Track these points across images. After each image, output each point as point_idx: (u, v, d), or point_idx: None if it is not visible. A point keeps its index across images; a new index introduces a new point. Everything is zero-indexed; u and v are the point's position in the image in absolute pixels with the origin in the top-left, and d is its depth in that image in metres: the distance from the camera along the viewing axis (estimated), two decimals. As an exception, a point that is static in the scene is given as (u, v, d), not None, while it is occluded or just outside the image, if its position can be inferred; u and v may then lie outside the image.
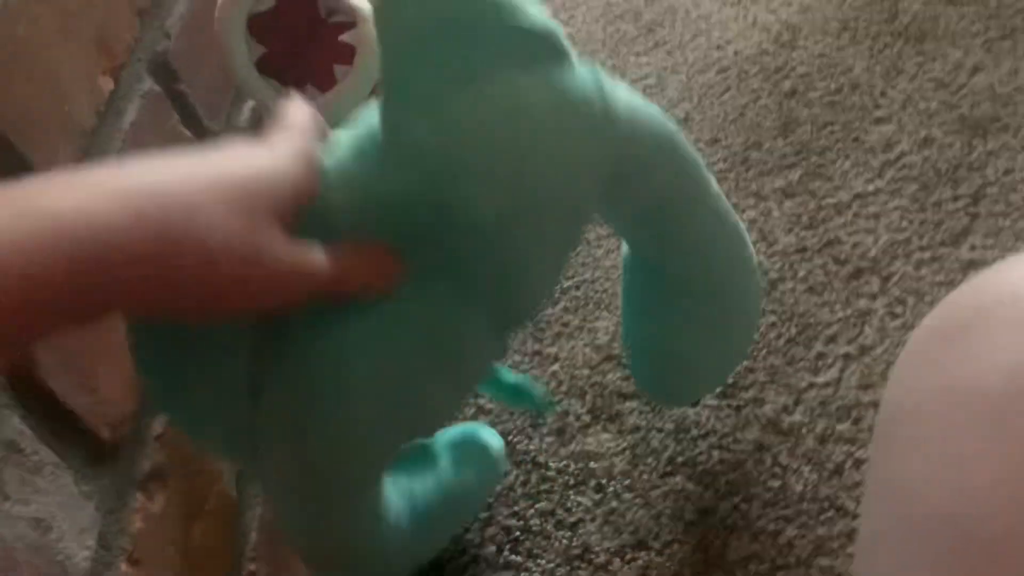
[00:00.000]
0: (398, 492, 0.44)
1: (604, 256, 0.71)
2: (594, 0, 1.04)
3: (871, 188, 0.67)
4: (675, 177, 0.44)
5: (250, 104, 0.72)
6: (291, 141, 0.34)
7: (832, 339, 0.58)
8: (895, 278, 0.60)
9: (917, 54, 0.76)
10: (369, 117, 0.36)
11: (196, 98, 0.62)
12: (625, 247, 0.52)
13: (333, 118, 0.61)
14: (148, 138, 0.54)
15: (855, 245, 0.63)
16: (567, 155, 0.37)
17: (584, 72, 0.38)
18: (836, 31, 0.82)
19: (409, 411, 0.38)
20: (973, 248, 0.60)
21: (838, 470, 0.52)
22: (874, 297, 0.59)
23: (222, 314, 0.32)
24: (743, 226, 0.49)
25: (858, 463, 0.52)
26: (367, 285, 0.35)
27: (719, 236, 0.48)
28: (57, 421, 0.38)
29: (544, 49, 0.36)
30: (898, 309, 0.58)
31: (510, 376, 0.51)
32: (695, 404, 0.58)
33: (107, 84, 0.51)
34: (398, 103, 0.34)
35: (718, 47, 0.87)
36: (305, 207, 0.34)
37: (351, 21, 0.60)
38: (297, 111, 0.36)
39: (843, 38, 0.81)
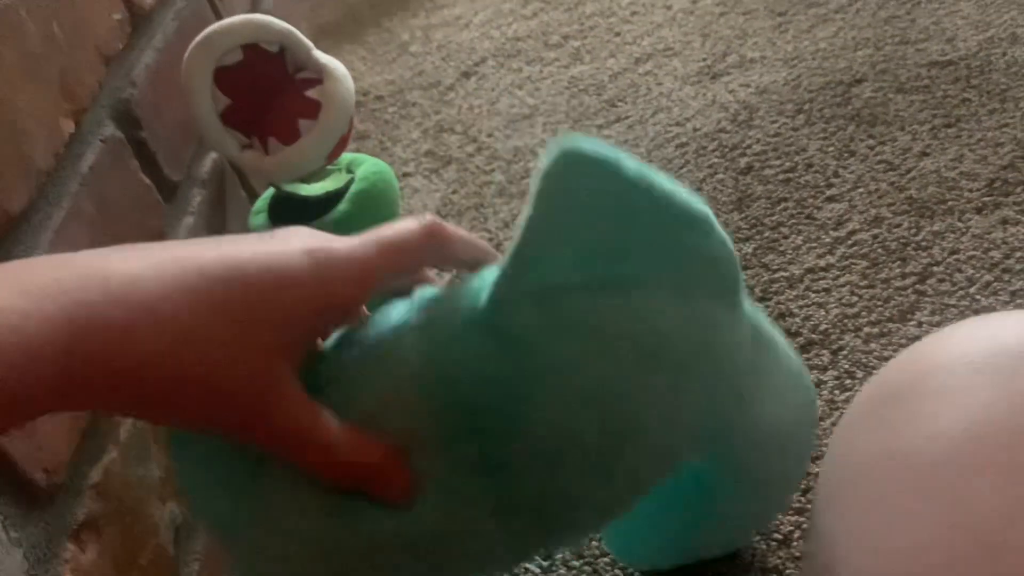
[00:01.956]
0: None
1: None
2: (559, 73, 1.06)
3: (822, 263, 0.68)
4: (790, 436, 0.39)
5: (212, 156, 0.73)
6: (357, 251, 0.29)
7: (783, 410, 0.59)
8: (844, 351, 0.61)
9: (868, 137, 0.79)
10: (486, 281, 0.31)
11: (157, 146, 0.62)
12: None
13: (295, 171, 0.62)
14: (106, 183, 0.54)
15: (806, 318, 0.64)
16: (682, 399, 0.31)
17: (747, 318, 0.33)
18: (792, 112, 0.85)
19: None
20: (920, 325, 0.61)
21: (786, 540, 0.52)
22: (824, 369, 0.60)
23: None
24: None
25: (806, 533, 0.52)
26: (368, 489, 0.29)
27: (798, 467, 0.44)
28: (-12, 464, 0.37)
29: (713, 281, 0.32)
30: (847, 382, 0.59)
31: None
32: None
33: (68, 127, 0.51)
34: (518, 280, 0.30)
35: (677, 123, 0.89)
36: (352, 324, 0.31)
37: (318, 78, 0.61)
38: (408, 224, 0.31)
39: (798, 119, 0.84)
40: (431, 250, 0.32)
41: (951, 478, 0.25)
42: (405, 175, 0.99)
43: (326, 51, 1.38)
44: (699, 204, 0.31)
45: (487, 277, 0.31)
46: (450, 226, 0.33)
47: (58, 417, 0.42)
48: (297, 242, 0.29)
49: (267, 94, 0.60)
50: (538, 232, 0.29)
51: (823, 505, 0.30)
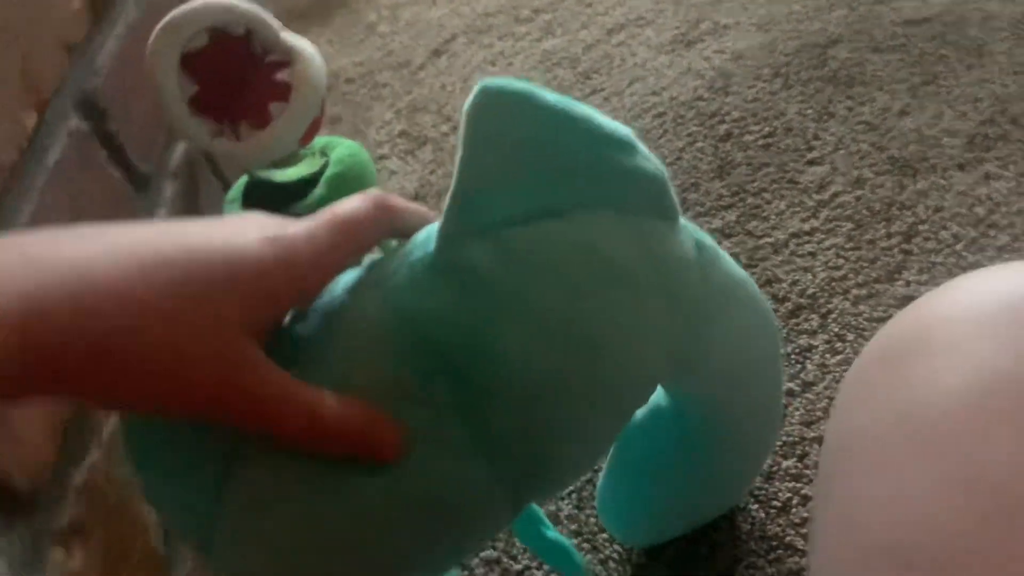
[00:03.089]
0: None
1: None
2: (532, 48, 1.05)
3: (807, 227, 0.68)
4: (754, 368, 0.41)
5: (183, 146, 0.71)
6: (313, 233, 0.29)
7: (775, 376, 0.59)
8: (833, 314, 0.61)
9: (847, 98, 0.79)
10: (431, 230, 0.32)
11: (126, 137, 0.60)
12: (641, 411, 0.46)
13: (268, 155, 0.60)
14: (74, 177, 0.52)
15: (793, 283, 0.64)
16: (640, 317, 0.32)
17: (688, 234, 0.34)
18: (768, 77, 0.84)
19: (388, 570, 0.31)
20: (908, 284, 0.61)
21: (785, 507, 0.52)
22: (814, 334, 0.60)
23: (194, 418, 0.27)
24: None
25: (804, 499, 0.51)
26: (359, 450, 0.28)
27: (773, 402, 0.45)
28: (-33, 470, 0.35)
29: (649, 200, 0.32)
30: (838, 345, 0.59)
31: (553, 533, 0.45)
32: None
33: (30, 119, 0.49)
34: (461, 219, 0.30)
35: (654, 93, 0.88)
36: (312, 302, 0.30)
37: (287, 60, 0.59)
38: (356, 201, 0.31)
39: (775, 83, 0.83)
40: (383, 223, 0.32)
41: (962, 435, 0.24)
42: (381, 158, 0.98)
43: (295, 33, 1.35)
44: (621, 127, 0.32)
45: (432, 229, 0.31)
46: (396, 197, 0.33)
47: (38, 420, 0.40)
48: (254, 227, 0.28)
49: (236, 78, 0.59)
50: (472, 170, 0.29)
51: (830, 469, 0.30)
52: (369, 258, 0.34)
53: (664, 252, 0.33)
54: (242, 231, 0.28)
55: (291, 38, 0.60)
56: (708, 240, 0.37)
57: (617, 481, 0.50)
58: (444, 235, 0.30)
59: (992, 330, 0.26)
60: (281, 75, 0.59)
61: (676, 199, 0.34)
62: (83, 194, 0.52)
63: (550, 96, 0.30)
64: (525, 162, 0.30)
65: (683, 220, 0.35)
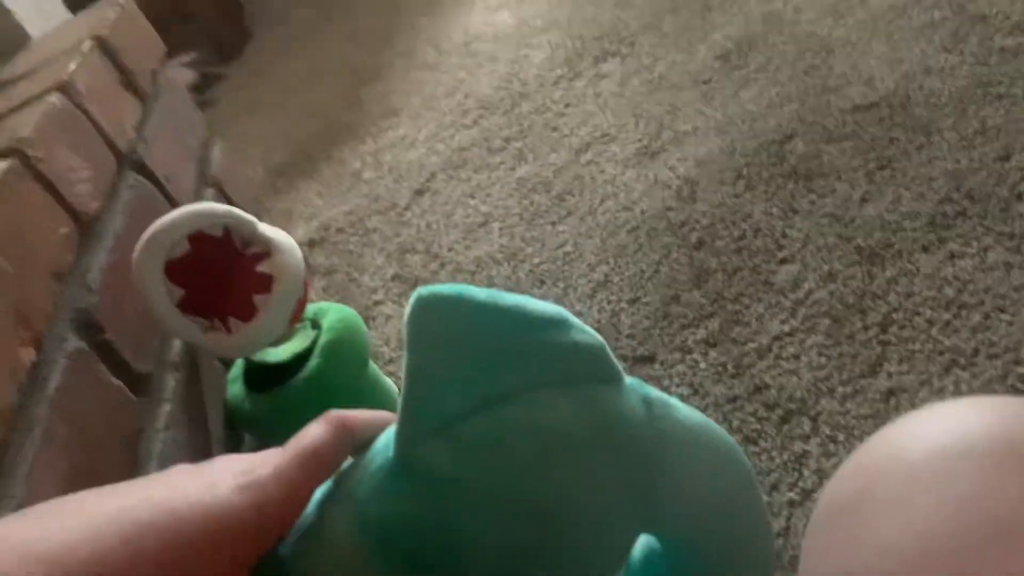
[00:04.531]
0: None
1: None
2: (507, 176, 1.09)
3: (787, 328, 0.69)
4: (726, 503, 0.41)
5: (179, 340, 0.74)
6: (283, 472, 0.31)
7: (775, 487, 0.59)
8: (823, 416, 0.62)
9: (809, 191, 0.81)
10: (390, 435, 0.34)
11: (123, 345, 0.63)
12: (641, 544, 0.47)
13: (256, 347, 0.63)
14: (76, 398, 0.55)
15: (781, 388, 0.65)
16: (597, 480, 0.33)
17: (633, 391, 0.36)
18: (731, 180, 0.87)
19: None
20: (890, 376, 0.62)
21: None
22: (807, 439, 0.61)
23: None
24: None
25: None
26: None
27: (757, 534, 0.45)
28: None
29: (588, 368, 0.34)
30: (831, 447, 0.60)
31: None
32: None
33: (28, 355, 0.52)
34: (414, 423, 0.32)
35: (625, 208, 0.92)
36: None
37: (266, 251, 0.63)
38: (318, 428, 0.33)
39: (739, 185, 0.86)
40: (345, 444, 0.33)
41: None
42: (376, 303, 1.01)
43: (283, 191, 1.41)
44: (551, 306, 0.34)
45: (389, 434, 0.33)
46: (352, 412, 0.35)
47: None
48: (227, 478, 0.30)
49: (219, 276, 0.62)
50: (418, 374, 0.31)
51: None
52: None
53: (609, 415, 0.34)
54: (215, 482, 0.30)
55: (267, 230, 0.63)
56: (656, 394, 0.38)
57: None
58: (401, 440, 0.32)
59: (927, 485, 0.27)
60: (261, 267, 0.62)
61: (616, 363, 0.35)
62: (85, 413, 0.55)
63: (480, 292, 0.32)
64: (465, 357, 0.32)
65: (628, 380, 0.36)
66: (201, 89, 1.99)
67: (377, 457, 0.33)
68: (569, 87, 1.21)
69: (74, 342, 0.58)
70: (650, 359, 0.73)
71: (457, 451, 0.32)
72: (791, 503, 0.58)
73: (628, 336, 0.76)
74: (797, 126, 0.90)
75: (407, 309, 0.31)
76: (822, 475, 0.58)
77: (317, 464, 0.32)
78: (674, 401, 0.39)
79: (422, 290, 0.31)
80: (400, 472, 0.32)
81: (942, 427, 0.30)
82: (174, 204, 0.83)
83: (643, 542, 0.48)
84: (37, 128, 0.64)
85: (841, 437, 0.60)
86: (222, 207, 0.62)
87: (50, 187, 0.62)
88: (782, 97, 0.95)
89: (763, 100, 0.97)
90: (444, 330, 0.32)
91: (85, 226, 0.65)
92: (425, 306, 0.31)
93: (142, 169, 0.80)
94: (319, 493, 0.35)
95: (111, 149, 0.75)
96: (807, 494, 0.58)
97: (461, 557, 0.32)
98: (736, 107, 0.98)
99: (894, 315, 0.66)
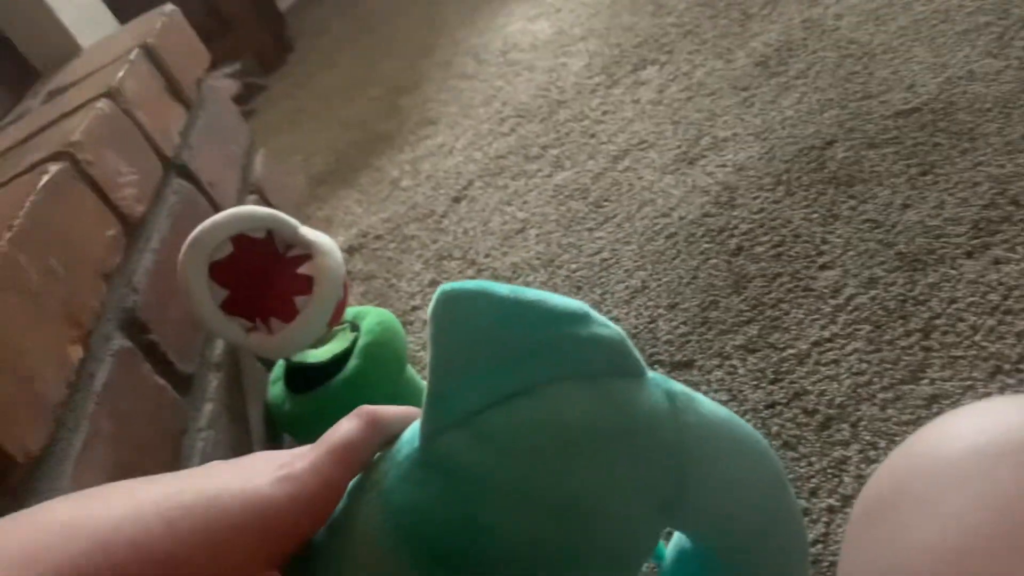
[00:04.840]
0: None
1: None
2: (544, 183, 1.10)
3: (827, 334, 0.69)
4: (754, 494, 0.41)
5: (222, 340, 0.75)
6: (318, 466, 0.32)
7: (814, 493, 0.59)
8: (863, 422, 0.61)
9: (849, 197, 0.81)
10: (415, 428, 0.34)
11: (167, 345, 0.64)
12: (674, 544, 0.48)
13: (296, 347, 0.64)
14: (122, 395, 0.56)
15: (821, 393, 0.64)
16: (619, 474, 0.33)
17: (656, 385, 0.36)
18: (771, 186, 0.87)
19: None
20: (932, 382, 0.61)
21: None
22: (847, 444, 0.60)
23: None
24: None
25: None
26: None
27: (793, 551, 0.44)
28: None
29: (609, 362, 0.35)
30: (871, 454, 0.59)
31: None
32: None
33: (76, 353, 0.53)
34: (438, 415, 0.32)
35: (663, 214, 0.91)
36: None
37: (307, 254, 0.64)
38: (349, 424, 0.34)
39: (778, 191, 0.86)
40: (376, 438, 0.34)
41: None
42: (414, 308, 1.02)
43: (324, 198, 1.43)
44: (572, 301, 0.34)
45: (415, 427, 0.34)
46: (381, 408, 0.35)
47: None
48: (265, 471, 0.31)
49: (261, 278, 0.63)
50: (442, 368, 0.32)
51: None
52: None
53: (632, 408, 0.34)
54: (256, 473, 0.31)
55: (309, 233, 0.64)
56: (679, 388, 0.38)
57: None
58: (426, 432, 0.33)
59: (966, 482, 0.27)
60: (303, 269, 0.63)
61: (638, 357, 0.36)
62: (130, 410, 0.56)
63: (502, 288, 0.33)
64: (488, 351, 0.33)
65: (651, 373, 0.37)
66: (243, 100, 2.03)
67: (404, 448, 0.34)
68: (607, 95, 1.22)
69: (120, 341, 0.59)
70: (688, 365, 0.73)
71: (479, 442, 0.32)
72: (831, 509, 0.57)
73: (666, 342, 0.76)
74: (837, 132, 0.89)
75: (431, 304, 0.32)
76: (862, 481, 0.58)
77: (350, 457, 0.33)
78: (698, 396, 0.39)
79: (445, 286, 0.32)
80: (425, 462, 0.33)
81: (981, 425, 0.29)
82: (217, 209, 0.85)
83: (675, 542, 0.48)
84: (86, 132, 0.65)
85: (882, 443, 0.59)
86: (265, 210, 0.63)
87: (98, 190, 0.63)
88: (822, 103, 0.95)
89: (803, 106, 0.96)
90: (467, 325, 0.32)
91: (131, 228, 0.67)
92: (448, 301, 0.32)
93: (187, 174, 0.82)
94: (350, 486, 0.36)
95: (157, 154, 0.77)
96: (847, 500, 0.57)
97: (486, 548, 0.32)
98: (776, 113, 0.97)
99: (936, 321, 0.65)
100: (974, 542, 0.25)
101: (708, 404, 0.39)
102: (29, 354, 0.48)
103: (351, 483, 0.35)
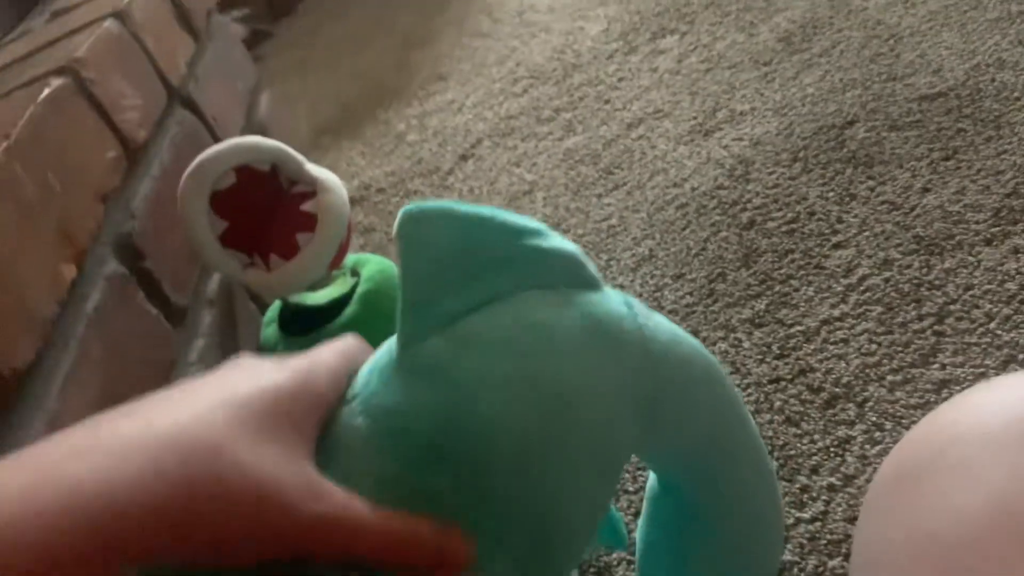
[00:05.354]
0: None
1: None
2: (554, 147, 1.07)
3: (837, 313, 0.67)
4: (717, 412, 0.42)
5: (217, 276, 0.73)
6: (314, 357, 0.32)
7: (815, 470, 0.57)
8: (870, 403, 0.60)
9: (867, 178, 0.79)
10: (391, 342, 0.35)
11: (162, 274, 0.62)
12: (652, 480, 0.49)
13: (294, 286, 0.62)
14: (113, 320, 0.54)
15: (827, 372, 0.63)
16: (595, 372, 0.35)
17: (615, 296, 0.38)
18: (788, 162, 0.85)
19: None
20: (943, 367, 0.60)
21: (834, 611, 0.50)
22: (852, 424, 0.59)
23: (236, 561, 0.26)
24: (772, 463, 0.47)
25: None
26: (438, 563, 0.28)
27: (758, 476, 0.45)
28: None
29: (570, 274, 0.37)
30: (876, 435, 0.58)
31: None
32: None
33: (70, 272, 0.51)
34: (415, 323, 0.33)
35: (675, 184, 0.90)
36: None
37: (312, 191, 0.62)
38: (340, 343, 0.35)
39: (795, 168, 0.84)
40: (353, 357, 0.34)
41: (974, 560, 0.24)
42: (413, 264, 1.00)
43: (326, 148, 1.40)
44: (528, 218, 0.37)
45: (390, 341, 0.35)
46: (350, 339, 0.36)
47: None
48: (270, 367, 0.30)
49: (264, 212, 0.61)
50: (411, 281, 0.33)
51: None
52: None
53: (596, 312, 0.36)
54: (264, 371, 0.29)
55: (314, 169, 0.62)
56: (636, 301, 0.40)
57: (645, 560, 0.49)
58: (402, 340, 0.33)
59: (1004, 449, 0.26)
60: (306, 206, 0.61)
61: (594, 271, 0.38)
62: (121, 336, 0.54)
63: (464, 206, 0.35)
64: (454, 264, 0.34)
65: (607, 287, 0.39)
66: (251, 45, 1.99)
67: (380, 358, 0.34)
68: (624, 61, 1.19)
69: (114, 265, 0.57)
70: (692, 335, 0.71)
71: (460, 345, 0.33)
72: (831, 487, 0.56)
73: (671, 311, 0.75)
74: (859, 112, 0.87)
75: (396, 223, 0.33)
76: (865, 462, 0.56)
77: (348, 353, 0.34)
78: (651, 311, 0.41)
79: (409, 206, 0.33)
80: (405, 367, 0.33)
81: (1017, 393, 0.28)
82: (221, 144, 0.82)
83: (648, 491, 0.48)
84: (91, 50, 0.63)
85: (888, 425, 0.58)
86: (271, 142, 0.61)
87: (100, 110, 0.61)
88: (845, 82, 0.93)
89: (825, 84, 0.94)
90: (433, 239, 0.34)
91: (132, 153, 0.65)
92: (413, 220, 0.33)
93: (191, 106, 0.80)
94: None
95: (162, 82, 0.74)
96: (849, 479, 0.56)
97: (474, 439, 0.32)
98: (796, 90, 0.95)
99: (951, 307, 0.64)
100: (1012, 512, 0.24)
101: (663, 318, 0.41)
102: (21, 267, 0.46)
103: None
